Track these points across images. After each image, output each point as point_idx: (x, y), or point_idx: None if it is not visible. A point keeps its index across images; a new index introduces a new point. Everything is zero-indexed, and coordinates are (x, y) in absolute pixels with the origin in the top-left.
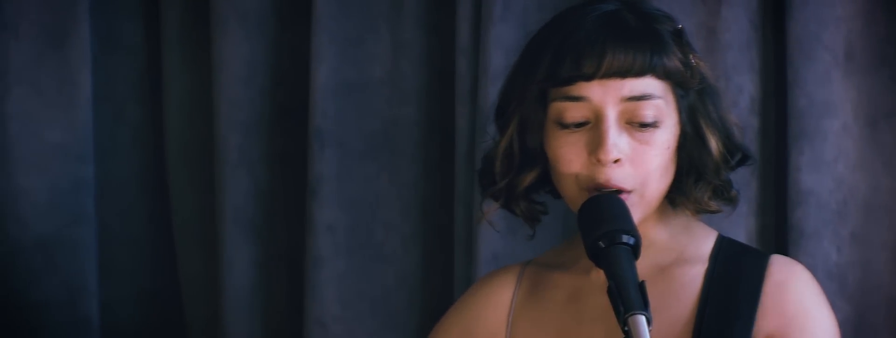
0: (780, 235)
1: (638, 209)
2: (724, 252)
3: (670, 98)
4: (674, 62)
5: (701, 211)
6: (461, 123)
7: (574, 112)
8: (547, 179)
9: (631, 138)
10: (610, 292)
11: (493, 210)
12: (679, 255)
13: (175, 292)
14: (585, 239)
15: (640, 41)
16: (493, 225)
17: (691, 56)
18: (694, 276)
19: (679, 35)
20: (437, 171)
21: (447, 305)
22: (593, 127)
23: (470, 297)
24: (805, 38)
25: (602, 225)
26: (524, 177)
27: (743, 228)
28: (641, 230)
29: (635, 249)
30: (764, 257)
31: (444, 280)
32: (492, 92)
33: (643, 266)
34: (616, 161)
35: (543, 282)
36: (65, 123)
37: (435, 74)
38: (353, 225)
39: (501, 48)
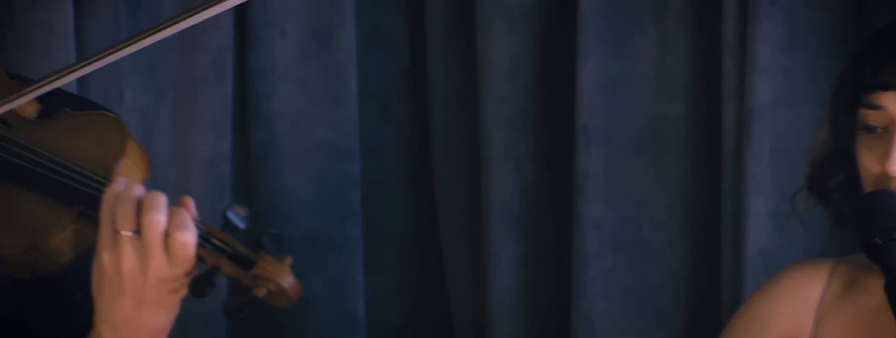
0: None
1: None
2: None
3: None
4: None
5: None
6: (728, 119)
7: (873, 119)
8: (857, 179)
9: None
10: (887, 289)
11: (802, 206)
12: None
13: (441, 289)
14: (860, 235)
15: None
16: (801, 222)
17: None
18: None
19: None
20: (704, 167)
21: (714, 302)
22: (888, 136)
23: (776, 285)
24: None
25: (877, 221)
26: (833, 176)
27: None
28: None
29: None
30: None
31: (711, 277)
32: (759, 88)
33: None
34: None
35: (857, 284)
36: (331, 121)
37: (701, 70)
38: (619, 221)
39: (768, 44)
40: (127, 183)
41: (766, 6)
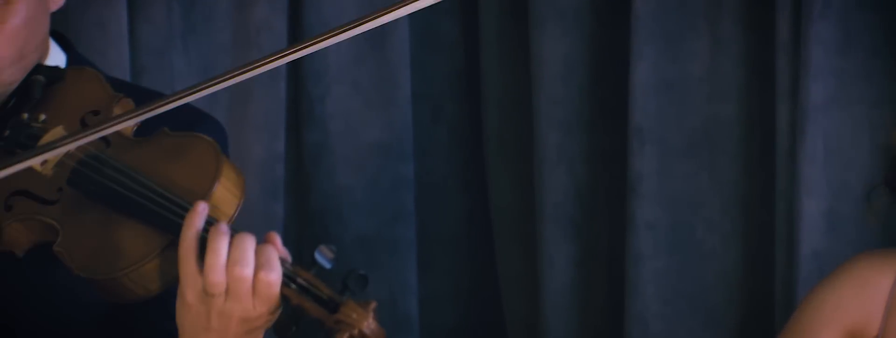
0: None
1: None
2: None
3: None
4: None
5: None
6: (781, 120)
7: None
8: None
9: None
10: None
11: (878, 205)
12: None
13: (494, 290)
14: None
15: None
16: (874, 219)
17: None
18: None
19: None
20: (757, 168)
21: (767, 303)
22: None
23: (845, 275)
24: None
25: None
26: None
27: None
28: None
29: None
30: None
31: (765, 278)
32: (812, 88)
33: None
34: None
35: None
36: (385, 122)
37: (754, 71)
38: (672, 222)
39: (821, 45)
40: (206, 215)
41: (820, 7)
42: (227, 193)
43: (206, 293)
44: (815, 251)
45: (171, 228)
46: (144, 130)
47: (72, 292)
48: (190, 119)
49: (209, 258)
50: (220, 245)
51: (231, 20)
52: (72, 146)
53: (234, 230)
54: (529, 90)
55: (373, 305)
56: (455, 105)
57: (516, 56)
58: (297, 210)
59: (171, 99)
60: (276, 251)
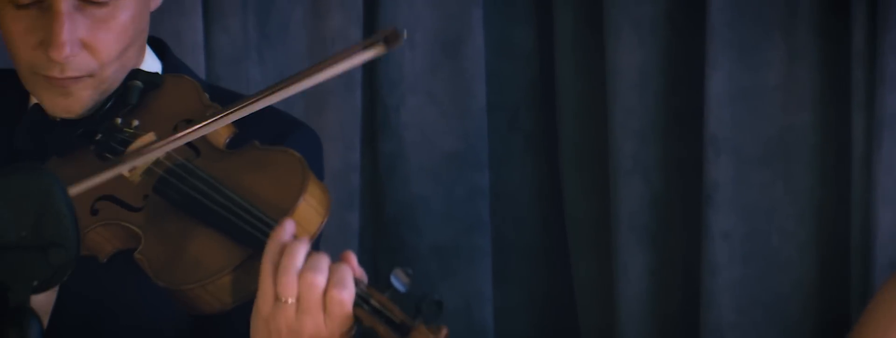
0: None
1: None
2: None
3: None
4: None
5: None
6: (857, 129)
7: None
8: None
9: None
10: None
11: None
12: None
13: (569, 298)
14: None
15: None
16: None
17: None
18: None
19: None
20: (833, 177)
21: (843, 313)
22: None
23: None
24: None
25: None
26: None
27: None
28: None
29: None
30: None
31: (841, 288)
32: (888, 98)
33: None
34: None
35: None
36: (460, 132)
37: (830, 80)
38: (748, 232)
39: None
40: (293, 232)
41: None
42: (310, 210)
43: (278, 299)
44: (891, 261)
45: (250, 242)
46: (237, 142)
47: (155, 300)
48: (283, 127)
49: (284, 260)
50: (298, 250)
51: (306, 29)
52: (160, 153)
53: (312, 250)
54: (604, 99)
55: (444, 331)
56: (530, 114)
57: (591, 65)
58: (373, 220)
59: (246, 102)
60: (351, 270)
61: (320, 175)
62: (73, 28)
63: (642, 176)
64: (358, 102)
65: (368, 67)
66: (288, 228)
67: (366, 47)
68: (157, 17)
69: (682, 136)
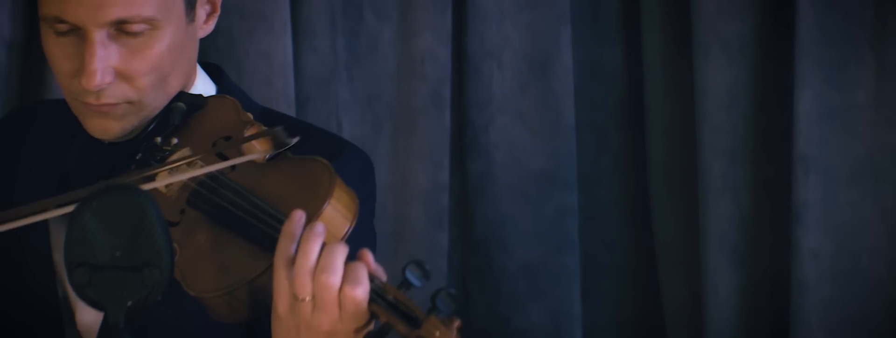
0: None
1: None
2: None
3: None
4: None
5: None
6: None
7: None
8: None
9: None
10: None
11: None
12: None
13: (657, 318)
14: None
15: None
16: None
17: None
18: None
19: None
20: None
21: None
22: None
23: None
24: None
25: None
26: None
27: None
28: None
29: None
30: None
31: None
32: None
33: None
34: None
35: None
36: (548, 151)
37: None
38: (837, 251)
39: None
40: (302, 224)
41: None
42: (336, 214)
43: (295, 298)
44: None
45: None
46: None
47: (196, 312)
48: (333, 148)
49: (298, 259)
50: (312, 248)
51: (395, 50)
52: (184, 177)
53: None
54: (693, 119)
55: (457, 323)
56: (619, 134)
57: (680, 84)
58: (462, 239)
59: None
60: (365, 267)
61: (372, 197)
62: (105, 56)
63: (731, 196)
64: (447, 122)
65: (457, 87)
66: (297, 219)
67: None
68: (246, 37)
69: (771, 155)
